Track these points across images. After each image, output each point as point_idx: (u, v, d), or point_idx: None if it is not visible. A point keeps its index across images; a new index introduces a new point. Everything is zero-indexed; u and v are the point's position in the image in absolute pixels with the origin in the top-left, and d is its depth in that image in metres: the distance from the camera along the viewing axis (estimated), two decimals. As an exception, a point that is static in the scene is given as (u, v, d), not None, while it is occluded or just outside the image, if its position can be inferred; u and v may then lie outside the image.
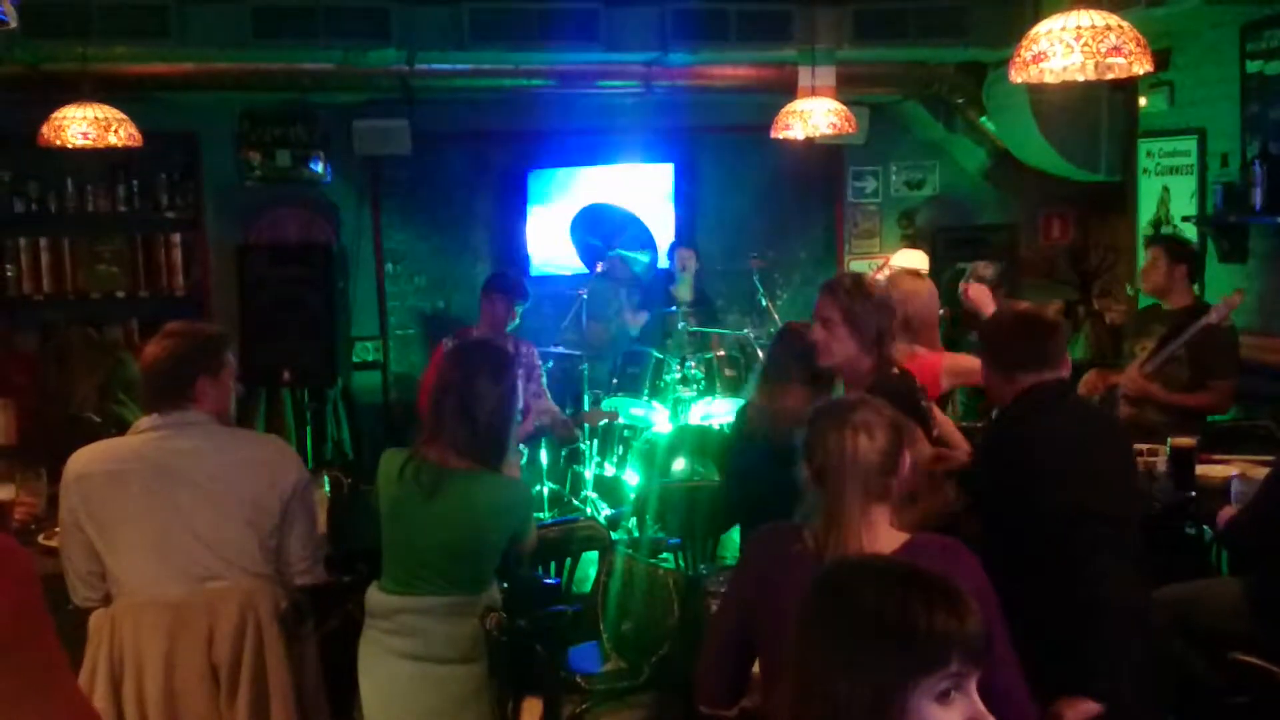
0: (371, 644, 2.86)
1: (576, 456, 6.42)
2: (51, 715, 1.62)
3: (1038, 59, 2.89)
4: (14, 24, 2.20)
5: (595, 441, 6.35)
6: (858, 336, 3.09)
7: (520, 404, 2.91)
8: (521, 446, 5.42)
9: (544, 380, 5.36)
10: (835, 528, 2.11)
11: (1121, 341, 5.19)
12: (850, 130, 4.98)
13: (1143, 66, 2.89)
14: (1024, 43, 2.94)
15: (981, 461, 2.97)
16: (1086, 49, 2.82)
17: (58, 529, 2.94)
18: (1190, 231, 5.73)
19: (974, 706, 1.38)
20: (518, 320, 5.30)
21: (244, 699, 2.78)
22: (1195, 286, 4.86)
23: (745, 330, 6.43)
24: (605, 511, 6.08)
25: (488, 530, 2.82)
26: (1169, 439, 3.92)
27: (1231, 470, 3.76)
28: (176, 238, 6.67)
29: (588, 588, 3.95)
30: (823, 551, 2.10)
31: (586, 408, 6.36)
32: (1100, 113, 6.34)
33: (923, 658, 1.35)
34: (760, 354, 6.40)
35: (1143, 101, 6.13)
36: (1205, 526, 3.79)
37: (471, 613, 2.80)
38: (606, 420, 5.69)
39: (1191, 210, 5.75)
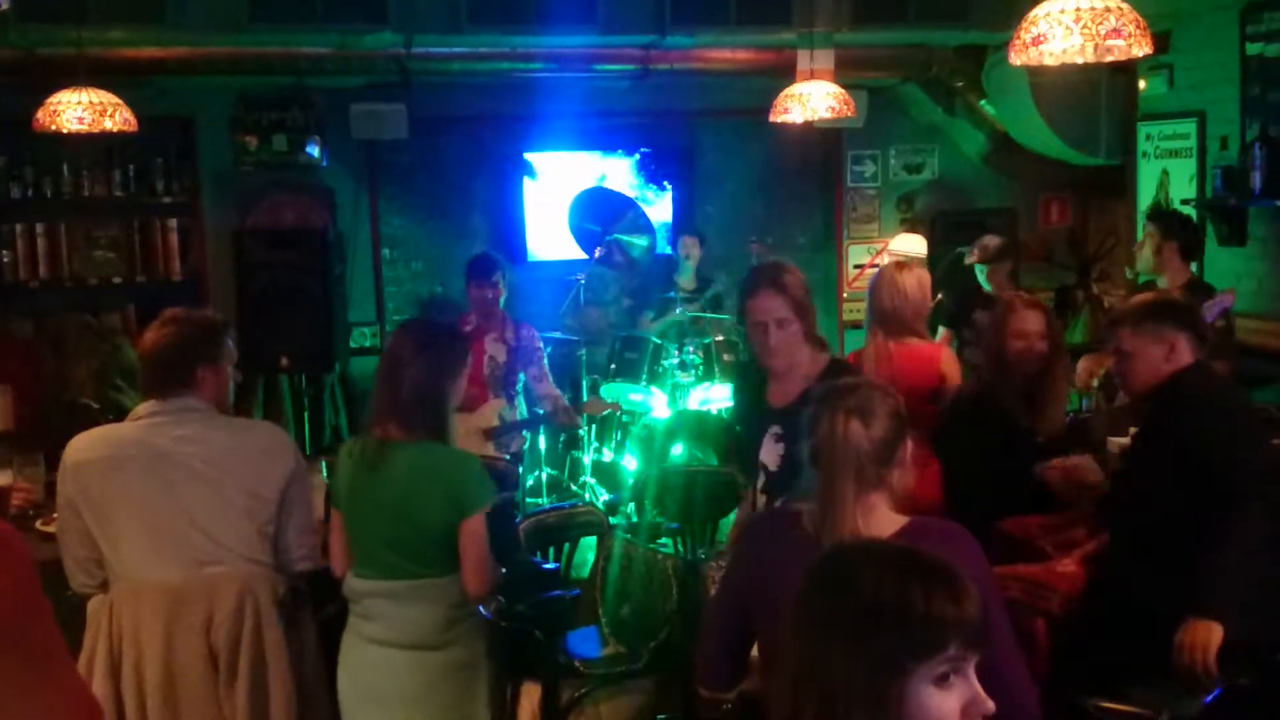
0: (348, 630, 2.86)
1: (575, 442, 6.43)
2: (51, 700, 1.62)
3: (1037, 41, 2.87)
4: (6, 6, 2.18)
5: (594, 427, 6.35)
6: (806, 329, 3.04)
7: (460, 377, 2.83)
8: (525, 432, 5.42)
9: (545, 363, 5.32)
10: (829, 512, 2.10)
11: None
12: (849, 114, 4.96)
13: (1142, 49, 2.88)
14: (1023, 25, 2.93)
15: (1155, 420, 3.06)
16: (1086, 31, 2.80)
17: (55, 515, 2.94)
18: (1189, 215, 5.72)
19: (972, 690, 1.38)
20: (504, 294, 5.28)
21: (243, 683, 2.78)
22: (1194, 266, 4.83)
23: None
24: (604, 497, 6.09)
25: (422, 498, 2.72)
26: None
27: None
28: (173, 223, 6.65)
29: (586, 573, 3.95)
30: (820, 535, 2.09)
31: (585, 393, 6.36)
32: (1100, 96, 6.32)
33: (920, 641, 1.35)
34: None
35: (1142, 84, 6.11)
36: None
37: (436, 598, 2.75)
38: (609, 410, 5.67)
39: (1191, 193, 5.74)
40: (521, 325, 5.32)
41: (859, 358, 4.09)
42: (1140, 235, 4.79)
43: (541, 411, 5.24)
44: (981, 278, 5.12)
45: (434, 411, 2.76)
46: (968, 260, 5.22)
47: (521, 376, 5.24)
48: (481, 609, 3.07)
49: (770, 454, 3.02)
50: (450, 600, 2.76)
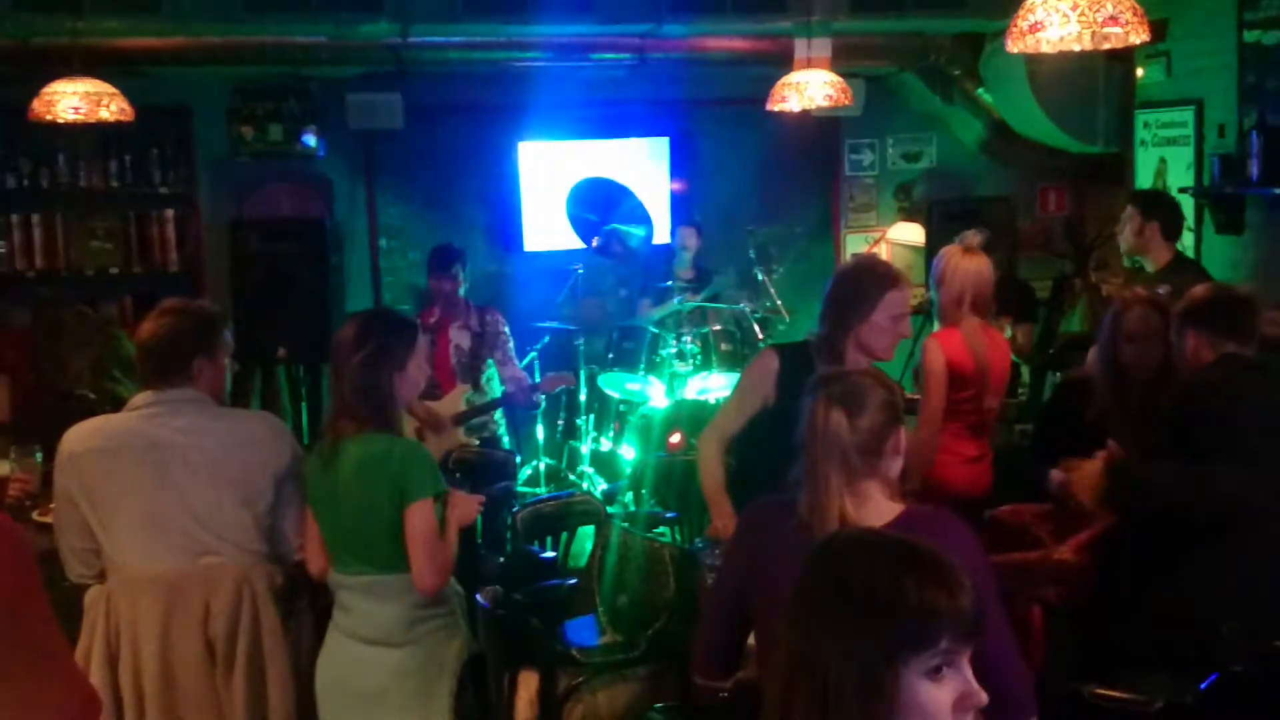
0: (330, 621, 2.85)
1: (573, 431, 6.44)
2: (48, 690, 1.62)
3: (1034, 29, 2.86)
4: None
5: (591, 416, 6.36)
6: None
7: (407, 366, 2.77)
8: (498, 418, 5.45)
9: (510, 347, 5.39)
10: (816, 501, 2.10)
11: None
12: (846, 103, 4.95)
13: (1140, 36, 2.87)
14: (1020, 12, 2.92)
15: (1180, 411, 2.99)
16: (1083, 18, 2.79)
17: (52, 505, 2.94)
18: (1187, 203, 5.71)
19: (966, 683, 1.38)
20: (464, 285, 5.35)
21: (240, 674, 2.79)
22: (1195, 247, 4.80)
23: (741, 305, 6.43)
24: (601, 486, 6.10)
25: (370, 489, 2.68)
26: None
27: None
28: (169, 213, 6.63)
29: (584, 562, 3.96)
30: (814, 525, 2.09)
31: (583, 383, 6.37)
32: (1097, 84, 6.31)
33: (914, 634, 1.34)
34: (756, 329, 6.41)
35: (1140, 72, 6.10)
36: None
37: (397, 595, 2.71)
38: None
39: (1188, 181, 5.74)
40: (486, 311, 5.39)
41: (943, 341, 3.85)
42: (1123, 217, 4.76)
43: (504, 392, 5.29)
44: None
45: (377, 404, 2.71)
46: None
47: (491, 363, 5.31)
48: (480, 599, 3.08)
49: None
50: (413, 599, 2.71)
